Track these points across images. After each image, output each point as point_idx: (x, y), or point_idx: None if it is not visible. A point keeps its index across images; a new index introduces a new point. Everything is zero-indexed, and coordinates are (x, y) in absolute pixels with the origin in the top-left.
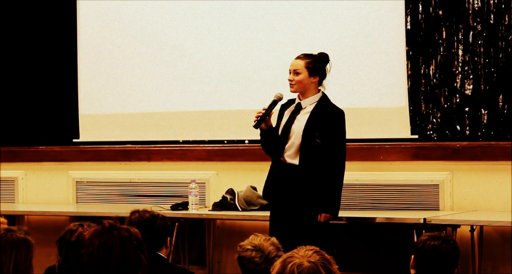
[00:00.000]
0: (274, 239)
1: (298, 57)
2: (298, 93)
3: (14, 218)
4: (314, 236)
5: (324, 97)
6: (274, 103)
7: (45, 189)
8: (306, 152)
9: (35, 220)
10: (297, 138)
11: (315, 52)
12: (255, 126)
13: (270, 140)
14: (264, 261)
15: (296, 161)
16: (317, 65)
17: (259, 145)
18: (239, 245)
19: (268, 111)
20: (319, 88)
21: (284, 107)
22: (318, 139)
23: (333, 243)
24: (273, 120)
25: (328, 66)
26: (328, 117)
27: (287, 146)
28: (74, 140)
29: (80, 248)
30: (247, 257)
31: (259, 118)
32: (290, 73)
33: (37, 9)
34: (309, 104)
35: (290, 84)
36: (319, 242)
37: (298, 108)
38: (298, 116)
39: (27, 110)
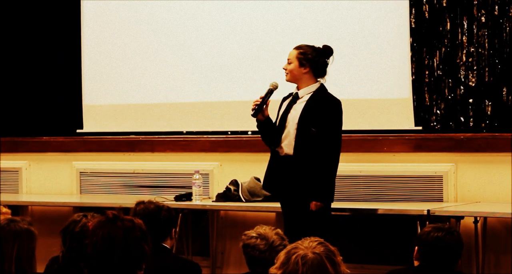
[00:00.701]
0: (279, 230)
1: (295, 47)
2: (296, 85)
3: (17, 209)
4: (312, 227)
5: (322, 88)
6: (270, 92)
7: (48, 180)
8: (301, 140)
9: (39, 210)
10: (293, 127)
11: (319, 43)
12: (253, 115)
13: (268, 130)
14: (268, 249)
15: (291, 150)
16: (309, 56)
17: None
18: (244, 234)
19: (265, 99)
20: (319, 79)
21: (284, 99)
22: (314, 128)
23: (334, 234)
24: (273, 112)
25: (329, 59)
26: (324, 106)
27: (283, 135)
28: (77, 131)
29: (84, 238)
30: (252, 244)
31: (256, 107)
32: None
33: (41, 0)
34: (306, 94)
35: (285, 73)
36: (318, 232)
37: (295, 98)
38: (295, 106)
39: (31, 101)
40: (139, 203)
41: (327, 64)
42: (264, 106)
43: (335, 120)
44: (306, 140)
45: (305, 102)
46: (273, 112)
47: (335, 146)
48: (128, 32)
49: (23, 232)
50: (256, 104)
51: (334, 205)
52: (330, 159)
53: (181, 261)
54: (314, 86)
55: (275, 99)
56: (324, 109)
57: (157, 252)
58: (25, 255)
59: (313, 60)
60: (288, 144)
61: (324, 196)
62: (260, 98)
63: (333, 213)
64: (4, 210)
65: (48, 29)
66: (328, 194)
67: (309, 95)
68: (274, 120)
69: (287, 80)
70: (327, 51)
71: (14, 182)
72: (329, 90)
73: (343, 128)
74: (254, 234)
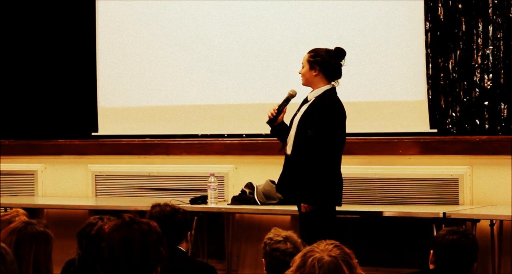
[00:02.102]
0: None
1: (308, 51)
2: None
3: (33, 211)
4: (313, 229)
5: (329, 91)
6: (287, 100)
7: (64, 182)
8: (298, 142)
9: (54, 213)
10: (294, 129)
11: (334, 45)
12: (268, 123)
13: (280, 135)
14: (296, 253)
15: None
16: (318, 59)
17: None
18: (268, 238)
19: (281, 108)
20: (332, 83)
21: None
22: (310, 130)
23: (344, 236)
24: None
25: (343, 61)
26: (322, 109)
27: (288, 137)
28: (93, 133)
29: (100, 241)
30: (282, 249)
31: (272, 117)
32: None
33: (56, 3)
34: (313, 96)
35: (301, 77)
36: (320, 235)
37: (305, 101)
38: (301, 109)
39: (46, 104)
40: (155, 206)
41: (340, 66)
42: (280, 115)
43: (329, 125)
44: (303, 142)
45: (308, 105)
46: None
47: (326, 149)
48: (143, 35)
49: (40, 234)
50: (272, 114)
51: (349, 207)
52: (321, 162)
53: (197, 264)
54: (322, 89)
55: (298, 102)
56: (321, 112)
57: (173, 255)
58: (42, 258)
59: (323, 62)
60: (290, 145)
61: (314, 199)
62: (278, 106)
63: (348, 216)
64: (21, 212)
65: (63, 32)
66: (317, 196)
67: (315, 98)
68: None
69: (303, 85)
70: (338, 53)
71: (30, 185)
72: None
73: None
74: (280, 238)
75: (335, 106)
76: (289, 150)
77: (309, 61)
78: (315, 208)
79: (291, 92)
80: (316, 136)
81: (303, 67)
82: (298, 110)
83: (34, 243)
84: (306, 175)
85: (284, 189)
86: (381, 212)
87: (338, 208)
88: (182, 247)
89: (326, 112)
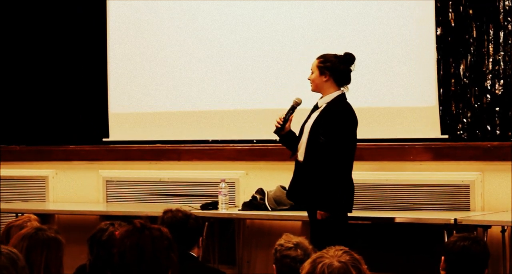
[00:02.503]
0: (305, 239)
1: (317, 57)
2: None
3: (44, 217)
4: (325, 236)
5: (340, 97)
6: (292, 108)
7: (75, 188)
8: (311, 149)
9: (65, 219)
10: (305, 136)
11: (344, 51)
12: (275, 132)
13: (288, 143)
14: (306, 260)
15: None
16: (328, 64)
17: None
18: (279, 244)
19: (287, 117)
20: (342, 88)
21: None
22: (323, 137)
23: (356, 242)
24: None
25: (352, 66)
26: (334, 115)
27: (299, 143)
28: (104, 139)
29: (111, 247)
30: (292, 255)
31: (279, 126)
32: None
33: (67, 9)
34: (324, 103)
35: (310, 83)
36: (332, 242)
37: (315, 107)
38: (312, 115)
39: (57, 110)
40: (166, 212)
41: (350, 71)
42: (287, 123)
43: (342, 131)
44: (315, 149)
45: (319, 112)
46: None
47: (340, 156)
48: (154, 40)
49: (51, 240)
50: (279, 123)
51: (360, 213)
52: (336, 169)
53: (209, 270)
54: (332, 95)
55: (307, 108)
56: (333, 119)
57: (184, 261)
58: (53, 264)
59: (333, 68)
60: (302, 152)
61: (329, 206)
62: (282, 117)
63: (359, 222)
64: (33, 217)
65: (74, 38)
66: (334, 204)
67: (325, 104)
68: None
69: (312, 91)
70: (348, 58)
71: (41, 190)
72: (354, 98)
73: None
74: (291, 245)
75: (347, 112)
76: (301, 156)
77: (318, 67)
78: (329, 215)
79: (296, 100)
80: (329, 142)
81: (312, 73)
82: (309, 117)
83: (45, 249)
84: (321, 182)
85: (296, 196)
86: (392, 218)
87: (349, 214)
88: (194, 253)
89: (338, 118)
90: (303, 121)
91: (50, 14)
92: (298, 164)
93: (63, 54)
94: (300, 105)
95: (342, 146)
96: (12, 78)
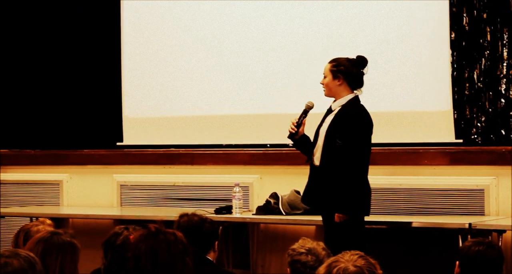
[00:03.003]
0: (322, 244)
1: (329, 61)
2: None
3: (58, 221)
4: (342, 239)
5: (353, 100)
6: (305, 112)
7: (89, 192)
8: (327, 153)
9: (80, 223)
10: (321, 140)
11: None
12: (289, 137)
13: (303, 147)
14: (318, 266)
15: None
16: (341, 68)
17: None
18: (292, 249)
19: (300, 121)
20: (355, 91)
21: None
22: (339, 140)
23: (370, 247)
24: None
25: (365, 70)
26: (349, 119)
27: (315, 148)
28: (118, 143)
29: (125, 251)
30: (302, 261)
31: (293, 131)
32: None
33: (81, 12)
34: (338, 106)
35: (323, 88)
36: (348, 246)
37: (329, 111)
38: (327, 119)
39: (72, 114)
40: (182, 216)
41: (363, 74)
42: (300, 127)
43: (359, 134)
44: (332, 153)
45: (334, 115)
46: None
47: (358, 159)
48: (167, 44)
49: (66, 245)
50: (293, 129)
51: (374, 218)
52: (354, 172)
53: None
54: (346, 98)
55: (320, 112)
56: (349, 122)
57: (200, 265)
58: (68, 268)
59: (347, 71)
60: (318, 156)
61: (348, 208)
62: (296, 120)
63: (373, 226)
64: (48, 222)
65: (88, 42)
66: (352, 206)
67: (340, 107)
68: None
69: (326, 95)
70: (360, 62)
71: (55, 195)
72: (368, 102)
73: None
74: (303, 250)
75: (363, 115)
76: (317, 161)
77: (332, 71)
78: (348, 218)
79: (308, 104)
80: (345, 145)
81: (325, 77)
82: (323, 121)
83: (61, 253)
84: (339, 185)
85: (312, 200)
86: (406, 223)
87: (365, 218)
88: (210, 257)
89: (354, 121)
90: (316, 125)
91: (65, 19)
92: (314, 168)
93: (78, 59)
94: (313, 109)
95: (359, 148)
96: (27, 83)
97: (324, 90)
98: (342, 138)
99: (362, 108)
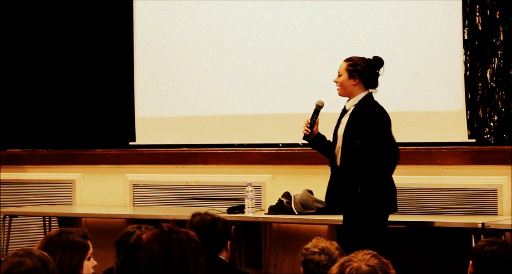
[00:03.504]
0: (336, 243)
1: (345, 59)
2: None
3: (71, 220)
4: (365, 239)
5: (366, 97)
6: (316, 112)
7: (102, 192)
8: (347, 153)
9: (92, 222)
10: (340, 141)
11: (372, 55)
12: (304, 139)
13: (319, 147)
14: (331, 265)
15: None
16: (358, 68)
17: None
18: (305, 248)
19: (313, 121)
20: (370, 91)
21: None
22: (358, 140)
23: (388, 247)
24: (330, 125)
25: (380, 70)
26: (364, 117)
27: (336, 150)
28: (130, 143)
29: (138, 250)
30: (316, 260)
31: (308, 132)
32: None
33: (93, 12)
34: (351, 105)
35: (336, 87)
36: (371, 245)
37: (344, 111)
38: (342, 120)
39: (85, 114)
40: (195, 215)
41: (378, 75)
42: (314, 127)
43: (378, 130)
44: (352, 153)
45: (349, 116)
46: (331, 125)
47: (379, 156)
48: (180, 44)
49: (80, 244)
50: (306, 130)
51: (392, 217)
52: (376, 170)
53: (237, 273)
54: (359, 97)
55: (335, 112)
56: (365, 120)
57: (213, 264)
58: (67, 265)
59: (363, 71)
60: (339, 157)
61: (365, 208)
62: (308, 122)
63: (395, 226)
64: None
65: (101, 42)
66: (371, 206)
67: (354, 106)
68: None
69: (339, 94)
70: (377, 62)
71: (68, 194)
72: (381, 103)
73: (396, 140)
74: (316, 250)
75: (377, 111)
76: (338, 161)
77: (348, 70)
78: (368, 217)
79: (318, 103)
80: (365, 144)
81: (339, 75)
82: (339, 121)
83: (74, 252)
84: (360, 185)
85: (335, 201)
86: (419, 222)
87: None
88: (223, 256)
89: (370, 119)
90: (328, 125)
91: (77, 18)
92: (335, 169)
93: (90, 58)
94: (323, 108)
95: (379, 145)
96: (40, 83)
97: (338, 89)
98: (360, 137)
99: (376, 104)
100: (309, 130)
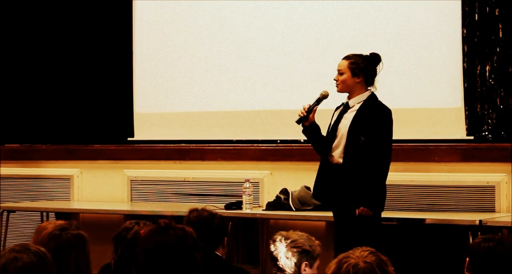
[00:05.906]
0: (313, 239)
1: (344, 57)
2: (347, 95)
3: (69, 216)
4: (361, 236)
5: (372, 96)
6: (318, 100)
7: (100, 187)
8: (351, 150)
9: (90, 217)
10: (343, 136)
11: (370, 52)
12: (297, 122)
13: (313, 136)
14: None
15: (341, 159)
16: (361, 65)
17: None
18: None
19: (311, 108)
20: (369, 88)
21: (336, 109)
22: (363, 137)
23: (383, 243)
24: (325, 121)
25: (379, 66)
26: (373, 115)
27: (334, 144)
28: (129, 139)
29: (136, 246)
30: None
31: (302, 116)
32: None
33: (93, 9)
34: (356, 103)
35: (336, 84)
36: (367, 242)
37: (346, 107)
38: (345, 115)
39: (83, 109)
40: (192, 211)
41: (377, 72)
42: (311, 114)
43: (384, 130)
44: (356, 149)
45: (355, 112)
46: (325, 122)
47: (384, 155)
48: (179, 41)
49: (76, 239)
50: (302, 113)
51: (384, 214)
52: (379, 167)
53: (234, 270)
54: (364, 95)
55: (328, 108)
56: (374, 118)
57: (210, 260)
58: (83, 261)
59: (365, 69)
60: (339, 153)
61: (372, 203)
62: (308, 105)
63: (383, 222)
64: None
65: (100, 38)
66: (377, 201)
67: (360, 104)
68: (327, 130)
69: (339, 91)
70: (375, 59)
71: (66, 190)
72: (382, 99)
73: (394, 137)
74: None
75: (387, 112)
76: (337, 157)
77: (350, 68)
78: (369, 214)
79: (323, 93)
80: (370, 142)
81: (341, 74)
82: (340, 117)
83: (74, 249)
84: (365, 182)
85: (325, 196)
86: (416, 219)
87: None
88: (219, 253)
89: (380, 118)
90: (321, 119)
91: (77, 14)
92: (327, 164)
93: (89, 54)
94: (327, 98)
95: (384, 145)
96: (38, 78)
97: (337, 86)
98: (366, 135)
99: (384, 104)
100: (305, 114)
